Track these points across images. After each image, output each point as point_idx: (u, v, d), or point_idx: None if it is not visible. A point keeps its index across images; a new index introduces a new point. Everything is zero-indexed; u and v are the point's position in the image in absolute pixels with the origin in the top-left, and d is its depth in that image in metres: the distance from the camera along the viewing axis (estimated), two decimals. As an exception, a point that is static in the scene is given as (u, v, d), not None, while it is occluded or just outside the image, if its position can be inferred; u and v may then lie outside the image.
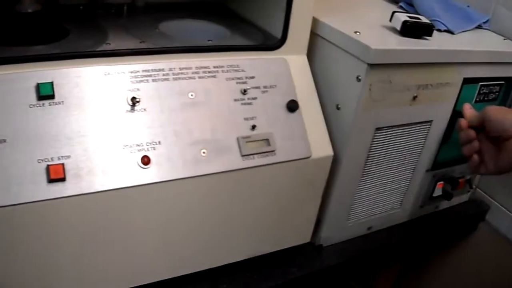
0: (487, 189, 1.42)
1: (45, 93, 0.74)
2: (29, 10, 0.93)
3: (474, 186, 1.41)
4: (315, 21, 1.00)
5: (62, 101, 0.75)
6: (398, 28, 1.02)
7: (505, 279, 1.41)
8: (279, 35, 0.96)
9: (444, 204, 1.35)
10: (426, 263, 1.62)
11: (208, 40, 0.97)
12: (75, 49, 0.83)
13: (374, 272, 1.25)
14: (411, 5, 1.27)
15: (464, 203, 1.42)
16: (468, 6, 1.35)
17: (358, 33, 0.95)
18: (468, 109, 1.02)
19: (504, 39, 1.29)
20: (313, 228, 1.04)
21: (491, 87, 1.21)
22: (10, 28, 0.90)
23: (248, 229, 0.94)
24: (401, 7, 1.29)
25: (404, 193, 1.19)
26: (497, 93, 1.24)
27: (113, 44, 0.88)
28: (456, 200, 1.38)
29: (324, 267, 1.08)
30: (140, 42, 0.91)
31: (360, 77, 0.93)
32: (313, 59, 1.01)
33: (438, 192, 1.27)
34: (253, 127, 0.87)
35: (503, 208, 1.39)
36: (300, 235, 1.03)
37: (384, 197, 1.15)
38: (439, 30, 1.15)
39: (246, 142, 0.86)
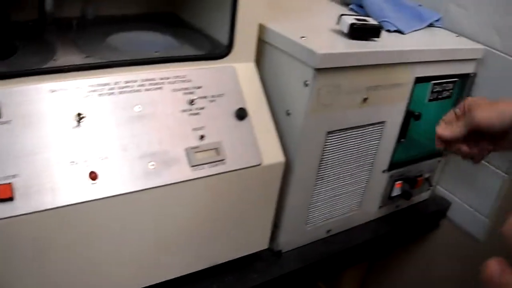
0: (448, 186, 1.45)
1: (-10, 113, 0.74)
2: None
3: (434, 184, 1.44)
4: (262, 28, 1.01)
5: (9, 120, 0.76)
6: (346, 31, 1.04)
7: (469, 272, 1.44)
8: (227, 43, 0.98)
9: (404, 203, 1.38)
10: (393, 260, 1.65)
11: (155, 52, 0.98)
12: (22, 66, 0.84)
13: (337, 273, 1.27)
14: (362, 6, 1.29)
15: (424, 201, 1.45)
16: (420, 5, 1.37)
17: (304, 38, 0.97)
18: (444, 129, 1.01)
19: (457, 36, 1.32)
20: (270, 234, 1.05)
21: (444, 85, 1.24)
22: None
23: (203, 239, 0.95)
24: (351, 9, 1.31)
25: (362, 194, 1.22)
26: (451, 91, 1.27)
27: (60, 60, 0.89)
28: (417, 198, 1.41)
29: (284, 273, 1.09)
30: (86, 57, 0.91)
31: (307, 82, 0.95)
32: (262, 66, 1.03)
33: (396, 191, 1.30)
34: (202, 137, 0.89)
35: (464, 204, 1.42)
36: (257, 242, 1.05)
37: (341, 199, 1.18)
38: (388, 31, 1.17)
39: (195, 152, 0.87)
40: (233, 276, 1.05)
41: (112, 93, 0.85)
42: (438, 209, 1.44)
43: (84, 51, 0.94)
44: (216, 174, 0.89)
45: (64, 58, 0.90)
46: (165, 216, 0.88)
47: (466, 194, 1.42)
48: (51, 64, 0.87)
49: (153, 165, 0.84)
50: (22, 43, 0.93)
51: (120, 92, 0.86)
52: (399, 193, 1.31)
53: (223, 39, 1.00)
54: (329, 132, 1.04)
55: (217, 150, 0.90)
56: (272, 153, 0.96)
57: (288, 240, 1.12)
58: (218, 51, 0.98)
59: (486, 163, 1.34)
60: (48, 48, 0.95)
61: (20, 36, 0.97)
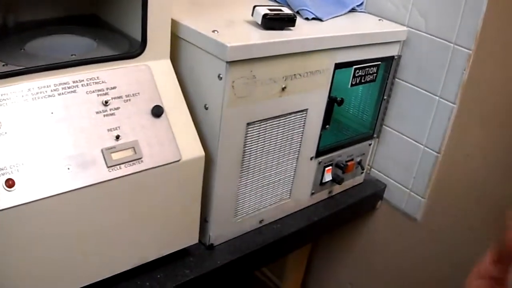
0: (382, 169, 1.53)
1: None
2: None
3: (367, 167, 1.51)
4: (175, 24, 1.07)
5: None
6: (259, 22, 1.10)
7: (408, 251, 1.52)
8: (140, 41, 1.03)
9: (338, 188, 1.45)
10: (335, 240, 1.73)
11: (72, 55, 1.03)
12: None
13: (273, 261, 1.33)
14: (283, -4, 1.35)
15: (359, 185, 1.53)
16: (342, -9, 1.44)
17: (216, 32, 1.03)
18: None
19: (380, 19, 1.39)
20: (198, 228, 1.11)
21: (367, 69, 1.30)
22: None
23: (129, 238, 1.00)
24: (273, -1, 1.37)
25: (292, 182, 1.28)
26: (374, 74, 1.33)
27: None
28: (351, 182, 1.48)
29: (217, 266, 1.15)
30: (3, 65, 0.95)
31: (221, 75, 1.01)
32: (178, 62, 1.09)
33: (328, 177, 1.36)
34: (117, 137, 0.94)
35: (399, 185, 1.49)
36: (187, 237, 1.10)
37: (270, 189, 1.24)
38: (307, 19, 1.23)
39: (111, 153, 0.92)
40: (165, 273, 1.10)
41: (25, 100, 0.89)
42: (374, 191, 1.52)
43: (1, 59, 0.98)
44: (134, 173, 0.94)
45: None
46: (87, 218, 0.92)
47: (401, 175, 1.49)
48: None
49: (69, 168, 0.88)
50: None
51: (34, 98, 0.90)
52: (330, 178, 1.37)
53: (139, 37, 1.05)
54: (249, 124, 1.10)
55: (134, 149, 0.95)
56: (191, 148, 1.02)
57: (219, 233, 1.18)
58: (133, 50, 1.03)
59: (418, 143, 1.41)
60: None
61: None
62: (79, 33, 1.14)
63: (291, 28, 1.13)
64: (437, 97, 1.35)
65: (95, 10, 1.26)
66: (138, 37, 1.05)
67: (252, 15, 1.12)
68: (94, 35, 1.13)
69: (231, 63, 1.00)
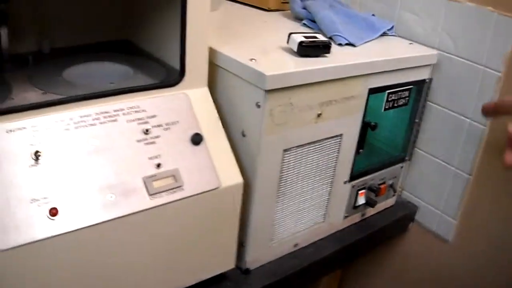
0: (413, 191, 1.51)
1: None
2: None
3: (398, 190, 1.50)
4: (212, 52, 1.07)
5: (-33, 163, 0.79)
6: (295, 49, 1.09)
7: (439, 272, 1.50)
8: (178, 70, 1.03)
9: (371, 211, 1.43)
10: (365, 265, 1.71)
11: (111, 83, 1.03)
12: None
13: (308, 285, 1.32)
14: (314, 21, 1.34)
15: (391, 207, 1.51)
16: (373, 15, 1.43)
17: (254, 60, 1.02)
18: None
19: (410, 43, 1.38)
20: (235, 253, 1.10)
21: (399, 93, 1.29)
22: None
23: (169, 264, 0.99)
24: (304, 24, 1.37)
25: (326, 206, 1.27)
26: (407, 98, 1.32)
27: (17, 98, 0.93)
28: (383, 205, 1.46)
29: (253, 290, 1.14)
30: (43, 94, 0.96)
31: (259, 104, 1.00)
32: (215, 89, 1.08)
33: (361, 200, 1.35)
34: (158, 165, 0.93)
35: (431, 207, 1.48)
36: (224, 262, 1.09)
37: (305, 213, 1.23)
38: (340, 45, 1.22)
39: (152, 181, 0.92)
40: (203, 298, 1.09)
41: (67, 130, 0.89)
42: (406, 213, 1.50)
43: (40, 87, 0.98)
44: (175, 200, 0.94)
45: (21, 96, 0.94)
46: (128, 245, 0.92)
47: (432, 197, 1.47)
48: (8, 103, 0.91)
49: (112, 196, 0.88)
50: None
51: (76, 127, 0.90)
52: (364, 202, 1.36)
53: (177, 65, 1.04)
54: (286, 150, 1.09)
55: (174, 177, 0.94)
56: (230, 175, 1.01)
57: (256, 258, 1.17)
58: (171, 78, 1.03)
59: (449, 165, 1.39)
60: (4, 87, 0.98)
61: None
62: (115, 60, 1.14)
63: (326, 55, 1.12)
64: (468, 120, 1.34)
65: (127, 36, 1.26)
66: (174, 64, 1.05)
67: (288, 42, 1.12)
68: (130, 62, 1.13)
69: (269, 91, 0.99)
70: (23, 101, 0.91)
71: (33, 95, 0.95)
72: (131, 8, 1.22)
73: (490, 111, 1.09)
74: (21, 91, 0.96)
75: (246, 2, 1.57)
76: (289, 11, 1.49)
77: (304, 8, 1.39)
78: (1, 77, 1.03)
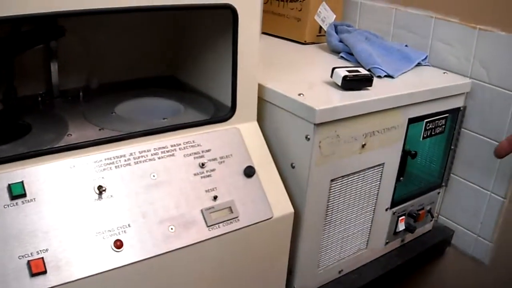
0: (449, 215, 1.52)
1: (17, 192, 0.81)
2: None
3: (435, 215, 1.50)
4: (261, 88, 1.09)
5: (34, 198, 0.82)
6: (339, 83, 1.11)
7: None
8: (229, 104, 1.05)
9: (410, 236, 1.43)
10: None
11: (164, 119, 1.05)
12: (38, 144, 0.90)
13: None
14: (351, 54, 1.36)
15: (429, 232, 1.51)
16: (406, 46, 1.45)
17: (302, 95, 1.04)
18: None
19: (444, 72, 1.39)
20: (285, 281, 1.11)
21: (436, 121, 1.31)
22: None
23: (224, 292, 1.01)
24: (342, 57, 1.39)
25: (369, 233, 1.28)
26: (443, 126, 1.34)
27: (74, 134, 0.96)
28: (421, 230, 1.47)
29: (302, 316, 1.15)
30: (100, 130, 0.98)
31: (309, 136, 1.02)
32: (264, 123, 1.10)
33: (401, 227, 1.36)
34: (215, 197, 0.95)
35: (467, 231, 1.48)
36: (274, 289, 1.11)
37: (349, 240, 1.24)
38: (379, 77, 1.24)
39: (210, 213, 0.94)
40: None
41: (128, 164, 0.91)
42: (443, 238, 1.50)
43: (95, 123, 1.01)
44: (231, 231, 0.96)
45: (78, 132, 0.97)
46: (187, 275, 0.94)
47: (468, 221, 1.48)
48: (66, 139, 0.94)
49: (172, 228, 0.90)
50: (34, 120, 1.01)
51: (136, 162, 0.92)
52: (404, 227, 1.37)
53: (225, 100, 1.07)
54: (333, 180, 1.11)
55: (230, 208, 0.96)
56: (281, 206, 1.03)
57: (303, 284, 1.18)
58: (222, 113, 1.05)
59: (484, 189, 1.40)
60: (60, 123, 1.01)
61: (29, 111, 1.05)
62: (164, 95, 1.17)
63: (369, 88, 1.13)
64: (502, 145, 1.34)
65: (173, 72, 1.29)
66: (222, 99, 1.09)
67: (331, 76, 1.14)
68: (178, 98, 1.16)
69: (318, 124, 1.01)
70: (81, 138, 0.93)
71: (90, 132, 0.98)
72: (178, 45, 1.25)
73: (502, 152, 1.10)
74: (77, 128, 0.99)
75: (282, 36, 1.59)
76: (325, 44, 1.52)
77: (341, 41, 1.41)
78: (55, 114, 1.06)
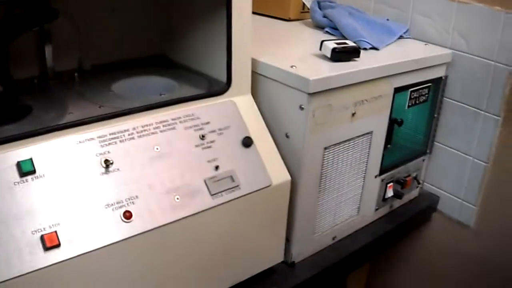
0: (434, 182, 1.57)
1: (26, 169, 0.83)
2: (-7, 92, 1.02)
3: (421, 181, 1.55)
4: (254, 62, 1.12)
5: (43, 174, 0.84)
6: (329, 55, 1.15)
7: (463, 255, 1.55)
8: (223, 79, 1.08)
9: (397, 203, 1.49)
10: (392, 256, 1.76)
11: (161, 94, 1.08)
12: (41, 123, 0.92)
13: (346, 275, 1.38)
14: (335, 28, 1.40)
15: (415, 199, 1.56)
16: (387, 20, 1.49)
17: (294, 67, 1.08)
18: None
19: (425, 44, 1.44)
20: (284, 248, 1.15)
21: (420, 90, 1.35)
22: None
23: (226, 260, 1.04)
24: (327, 32, 1.42)
25: (359, 200, 1.32)
26: (427, 95, 1.38)
27: (75, 112, 0.98)
28: (407, 197, 1.52)
29: (300, 281, 1.19)
30: (100, 107, 1.00)
31: (303, 106, 1.06)
32: (257, 96, 1.14)
33: (389, 193, 1.41)
34: (217, 167, 0.99)
35: (452, 196, 1.53)
36: (273, 256, 1.14)
37: (342, 207, 1.28)
38: (365, 49, 1.28)
39: (213, 182, 0.97)
40: (254, 291, 1.13)
41: (132, 138, 0.94)
42: (429, 204, 1.56)
43: (93, 101, 1.03)
44: (233, 199, 0.99)
45: (78, 110, 0.99)
46: (193, 243, 0.97)
47: (452, 187, 1.53)
48: (68, 117, 0.96)
49: (178, 198, 0.93)
50: (33, 101, 1.02)
51: (139, 136, 0.95)
52: (392, 194, 1.42)
53: (218, 75, 1.11)
54: (326, 148, 1.15)
55: (231, 177, 1.00)
56: (278, 174, 1.07)
57: (300, 251, 1.22)
58: (217, 88, 1.08)
59: (467, 155, 1.45)
60: (60, 103, 1.04)
61: (28, 94, 1.07)
62: (158, 74, 1.20)
63: (356, 59, 1.17)
64: (482, 112, 1.40)
65: (163, 51, 1.31)
66: (215, 74, 1.12)
67: (320, 49, 1.17)
68: (172, 75, 1.18)
69: (312, 94, 1.05)
70: (83, 115, 0.95)
71: (91, 109, 0.99)
72: (168, 24, 1.27)
73: None
74: (77, 106, 1.01)
75: (266, 14, 1.62)
76: (308, 20, 1.55)
77: (325, 16, 1.45)
78: (53, 94, 1.08)
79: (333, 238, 1.30)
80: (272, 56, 1.16)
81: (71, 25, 1.17)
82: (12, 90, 1.06)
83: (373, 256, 1.52)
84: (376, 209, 1.40)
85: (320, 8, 1.49)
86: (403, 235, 1.57)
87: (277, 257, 1.15)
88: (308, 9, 1.55)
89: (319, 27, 1.48)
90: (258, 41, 1.13)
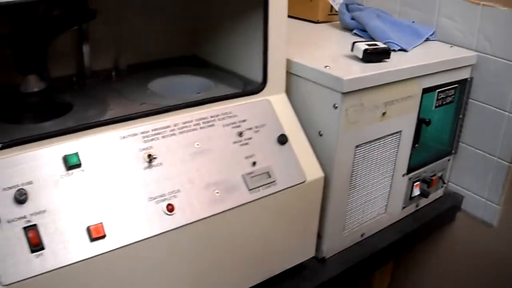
0: (459, 181, 1.59)
1: (72, 163, 0.86)
2: (35, 89, 1.07)
3: (446, 181, 1.57)
4: (288, 62, 1.15)
5: (88, 168, 0.87)
6: (360, 56, 1.18)
7: (486, 254, 1.57)
8: (257, 79, 1.11)
9: (423, 202, 1.51)
10: (416, 254, 1.78)
11: (197, 93, 1.11)
12: (83, 119, 0.95)
13: (373, 272, 1.40)
14: (364, 30, 1.43)
15: (440, 198, 1.59)
16: (413, 22, 1.52)
17: (328, 67, 1.11)
18: None
19: (451, 46, 1.46)
20: (315, 243, 1.18)
21: (447, 91, 1.38)
22: (17, 107, 1.04)
23: (261, 254, 1.07)
24: (355, 34, 1.45)
25: (387, 198, 1.35)
26: (453, 96, 1.41)
27: (117, 109, 1.01)
28: (433, 196, 1.54)
29: (331, 277, 1.22)
30: (141, 104, 1.04)
31: (336, 105, 1.09)
32: (291, 95, 1.16)
33: (416, 192, 1.43)
34: (254, 163, 1.02)
35: (476, 195, 1.55)
36: (305, 252, 1.17)
37: (370, 205, 1.31)
38: (393, 50, 1.31)
39: (251, 177, 1.00)
40: (286, 285, 1.16)
41: (173, 134, 0.97)
42: (453, 203, 1.58)
43: (133, 99, 1.07)
44: (270, 194, 1.02)
45: (119, 107, 1.02)
46: (231, 236, 1.00)
47: (476, 186, 1.55)
48: (110, 113, 0.99)
49: (218, 192, 0.96)
50: (73, 98, 1.06)
51: (180, 132, 0.98)
52: (419, 193, 1.44)
53: (252, 75, 1.14)
54: (357, 146, 1.18)
55: (268, 173, 1.03)
56: (312, 171, 1.09)
57: (330, 247, 1.25)
58: (252, 87, 1.11)
59: (491, 155, 1.47)
60: (100, 100, 1.07)
61: (67, 92, 1.11)
62: (193, 73, 1.23)
63: (386, 60, 1.20)
64: (506, 113, 1.42)
65: (195, 51, 1.34)
66: (249, 74, 1.16)
67: (352, 50, 1.20)
68: (207, 75, 1.22)
69: (345, 93, 1.08)
70: (124, 112, 0.98)
71: (131, 107, 1.03)
72: (199, 25, 1.31)
73: None
74: (117, 103, 1.05)
75: (294, 16, 1.65)
76: (336, 22, 1.58)
77: (353, 19, 1.47)
78: (93, 92, 1.12)
79: (362, 235, 1.33)
80: (305, 56, 1.19)
81: (108, 26, 1.21)
82: (51, 88, 1.09)
83: (399, 254, 1.53)
84: (403, 208, 1.43)
85: (348, 11, 1.51)
86: (428, 233, 1.59)
87: (309, 253, 1.18)
88: (336, 11, 1.58)
89: (347, 29, 1.51)
90: (290, 42, 1.16)
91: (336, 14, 1.59)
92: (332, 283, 1.22)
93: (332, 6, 1.61)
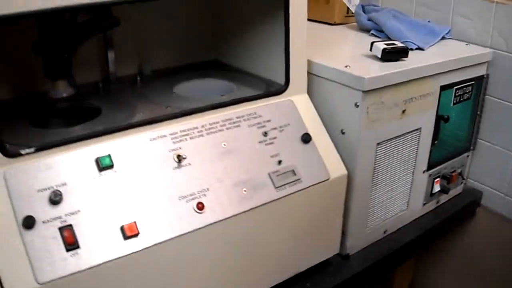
0: (477, 177, 1.61)
1: (105, 164, 0.89)
2: (64, 95, 1.10)
3: (465, 177, 1.59)
4: (309, 63, 1.18)
5: (120, 169, 0.90)
6: (379, 55, 1.21)
7: (507, 248, 1.59)
8: (280, 80, 1.14)
9: (443, 198, 1.53)
10: (437, 250, 1.79)
11: (221, 95, 1.14)
12: (113, 123, 0.99)
13: (396, 268, 1.42)
14: (380, 31, 1.45)
15: (459, 194, 1.61)
16: (429, 21, 1.54)
17: (348, 67, 1.14)
18: None
19: (467, 44, 1.49)
20: (340, 240, 1.20)
21: (464, 88, 1.40)
22: (47, 113, 1.08)
23: (288, 251, 1.10)
24: (373, 34, 1.48)
25: (409, 195, 1.37)
26: (470, 93, 1.43)
27: (146, 112, 1.04)
28: (453, 192, 1.56)
29: (355, 273, 1.24)
30: (167, 107, 1.07)
31: (358, 104, 1.12)
32: (313, 95, 1.19)
33: (436, 188, 1.45)
34: (279, 162, 1.04)
35: (495, 191, 1.57)
36: (330, 248, 1.20)
37: (393, 201, 1.33)
38: (411, 49, 1.33)
39: (277, 175, 1.03)
40: (312, 282, 1.18)
41: (201, 135, 1.00)
42: (473, 199, 1.60)
43: (159, 102, 1.10)
44: (296, 192, 1.05)
45: (147, 111, 1.05)
46: (259, 233, 1.03)
47: (496, 182, 1.57)
48: (139, 116, 1.02)
49: (245, 191, 0.99)
50: (101, 103, 1.09)
51: (208, 133, 1.01)
52: (439, 189, 1.47)
53: (274, 77, 1.17)
54: (378, 144, 1.20)
55: (293, 171, 1.05)
56: (336, 168, 1.12)
57: (354, 244, 1.27)
58: (275, 88, 1.14)
59: (509, 151, 1.50)
60: (127, 104, 1.10)
61: (94, 97, 1.14)
62: (215, 76, 1.26)
63: (405, 59, 1.23)
64: (523, 109, 1.44)
65: (216, 55, 1.38)
66: (271, 76, 1.19)
67: (371, 50, 1.23)
68: (229, 78, 1.25)
69: (366, 92, 1.10)
70: (152, 115, 1.01)
71: (158, 110, 1.06)
72: (220, 30, 1.34)
73: None
74: (145, 107, 1.08)
75: (311, 18, 1.67)
76: (353, 24, 1.61)
77: (369, 19, 1.50)
78: (119, 97, 1.15)
79: (384, 232, 1.35)
80: (325, 57, 1.22)
81: (131, 33, 1.24)
82: (79, 93, 1.13)
83: (421, 250, 1.55)
84: (424, 204, 1.45)
85: (364, 12, 1.54)
86: (449, 229, 1.61)
87: (334, 249, 1.21)
88: (352, 13, 1.61)
89: (364, 30, 1.53)
90: (309, 44, 1.19)
91: (352, 16, 1.61)
92: (356, 279, 1.24)
93: (348, 8, 1.63)
